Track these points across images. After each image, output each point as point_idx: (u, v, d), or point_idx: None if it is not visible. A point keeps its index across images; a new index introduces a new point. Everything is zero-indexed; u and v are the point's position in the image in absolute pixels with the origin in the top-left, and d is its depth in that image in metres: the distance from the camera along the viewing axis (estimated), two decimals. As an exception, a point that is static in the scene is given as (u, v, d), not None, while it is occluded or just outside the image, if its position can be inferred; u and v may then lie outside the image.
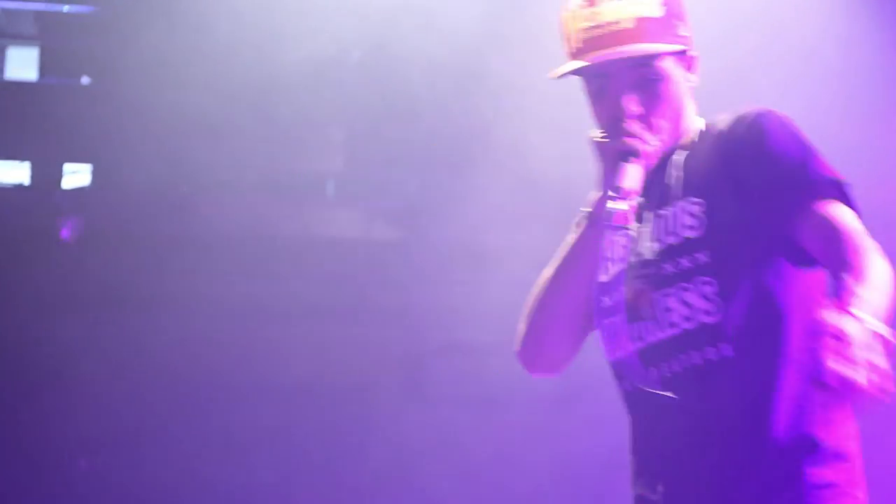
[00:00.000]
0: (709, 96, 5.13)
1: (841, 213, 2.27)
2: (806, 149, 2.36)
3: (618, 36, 2.41)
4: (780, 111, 2.45)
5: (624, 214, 2.36)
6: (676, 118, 2.47)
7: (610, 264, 2.49)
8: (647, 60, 2.42)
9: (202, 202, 5.41)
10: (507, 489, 5.34)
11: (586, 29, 2.44)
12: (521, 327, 2.59)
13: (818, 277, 2.40)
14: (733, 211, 2.36)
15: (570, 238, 2.51)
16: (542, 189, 5.31)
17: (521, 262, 5.35)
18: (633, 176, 2.37)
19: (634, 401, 2.47)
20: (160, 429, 5.27)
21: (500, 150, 5.32)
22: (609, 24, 2.42)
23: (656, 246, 2.43)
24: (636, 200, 2.39)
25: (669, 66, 2.45)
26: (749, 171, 2.36)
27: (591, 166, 5.64)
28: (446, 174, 5.42)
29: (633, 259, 2.46)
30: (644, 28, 2.42)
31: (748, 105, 2.47)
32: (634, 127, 2.41)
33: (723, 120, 2.48)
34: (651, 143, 2.41)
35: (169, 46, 5.19)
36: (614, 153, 2.40)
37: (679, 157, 2.47)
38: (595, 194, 2.46)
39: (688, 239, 2.39)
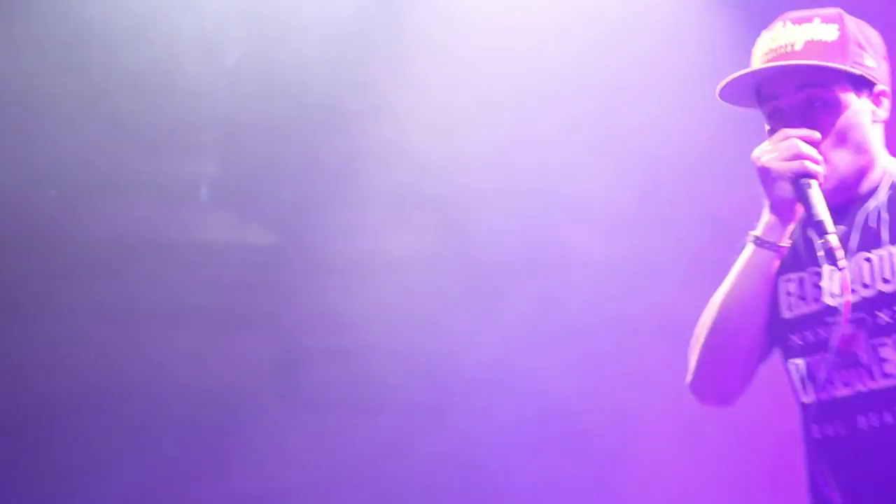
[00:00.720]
0: (570, 99, 5.26)
1: None
2: None
3: (785, 57, 2.41)
4: None
5: (838, 247, 2.29)
6: (854, 151, 2.40)
7: (798, 301, 2.44)
8: (815, 83, 2.39)
9: (74, 204, 5.29)
10: (379, 494, 5.33)
11: (765, 52, 2.46)
12: (694, 358, 2.49)
13: None
14: None
15: (743, 264, 2.43)
16: (417, 194, 5.32)
17: (395, 267, 5.36)
18: (822, 203, 2.32)
19: (834, 448, 2.38)
20: (27, 435, 5.15)
21: (375, 154, 5.30)
22: (781, 47, 2.43)
23: (866, 291, 2.36)
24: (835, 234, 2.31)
25: (843, 93, 2.40)
26: None
27: (466, 169, 5.56)
28: (321, 178, 5.38)
29: (832, 301, 2.37)
30: (812, 50, 2.39)
31: None
32: (806, 150, 2.35)
33: None
34: (821, 170, 2.35)
35: (39, 41, 5.06)
36: (783, 177, 2.35)
37: (882, 198, 2.40)
38: (768, 219, 2.40)
39: None
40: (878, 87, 2.45)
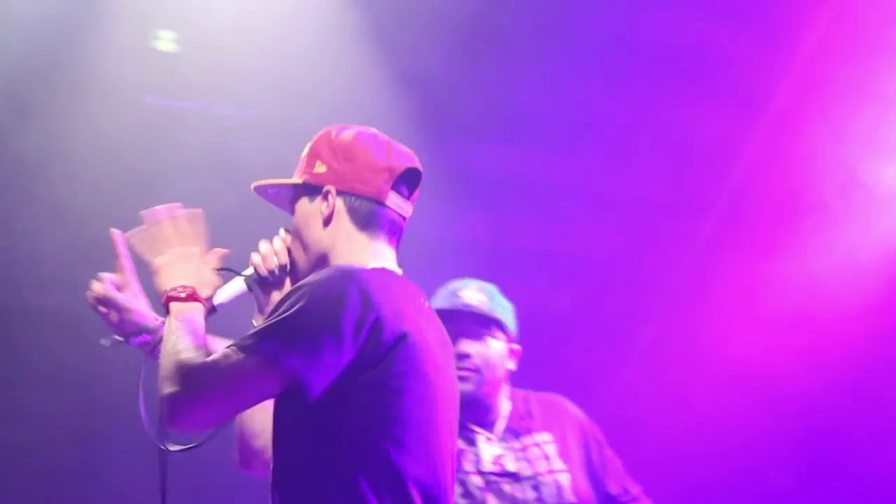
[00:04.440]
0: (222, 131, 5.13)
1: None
2: (285, 314, 2.42)
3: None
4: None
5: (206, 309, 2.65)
6: (304, 249, 2.70)
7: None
8: (285, 201, 2.76)
9: None
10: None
11: None
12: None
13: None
14: None
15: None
16: (77, 251, 5.08)
17: (42, 324, 5.10)
18: (227, 291, 2.74)
19: None
20: None
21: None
22: None
23: None
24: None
25: (297, 202, 2.72)
26: None
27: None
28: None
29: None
30: (297, 168, 2.74)
31: None
32: (265, 249, 2.76)
33: None
34: (257, 261, 2.77)
35: None
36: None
37: None
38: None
39: None
40: (325, 188, 2.68)
